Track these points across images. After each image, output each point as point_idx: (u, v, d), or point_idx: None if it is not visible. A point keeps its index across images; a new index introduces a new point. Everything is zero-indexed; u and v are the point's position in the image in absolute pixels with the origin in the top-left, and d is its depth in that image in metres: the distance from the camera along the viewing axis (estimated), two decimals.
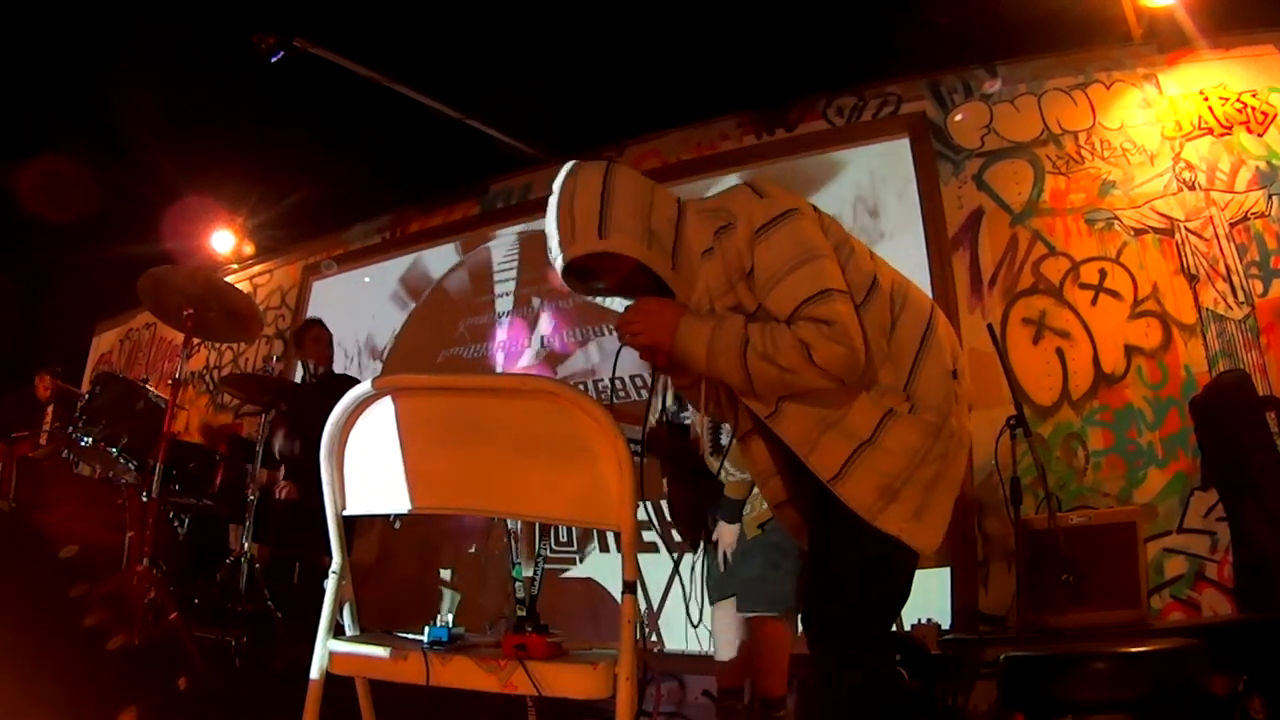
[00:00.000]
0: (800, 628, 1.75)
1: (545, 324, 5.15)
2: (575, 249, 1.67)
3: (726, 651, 2.89)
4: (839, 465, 1.64)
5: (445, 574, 4.88)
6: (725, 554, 2.81)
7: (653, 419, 1.98)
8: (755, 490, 2.61)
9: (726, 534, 2.77)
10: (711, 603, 2.89)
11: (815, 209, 1.75)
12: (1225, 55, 3.70)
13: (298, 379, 4.88)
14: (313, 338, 4.49)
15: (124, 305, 7.17)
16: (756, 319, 1.65)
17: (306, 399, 4.00)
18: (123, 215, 5.33)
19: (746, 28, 3.93)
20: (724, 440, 2.54)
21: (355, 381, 4.33)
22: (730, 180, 4.58)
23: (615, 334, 1.78)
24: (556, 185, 1.74)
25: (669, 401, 2.67)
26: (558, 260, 1.71)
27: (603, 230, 1.65)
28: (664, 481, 2.90)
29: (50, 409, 5.39)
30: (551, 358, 5.07)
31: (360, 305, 5.99)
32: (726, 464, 2.63)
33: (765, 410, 1.70)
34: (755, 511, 2.70)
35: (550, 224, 1.72)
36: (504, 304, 5.34)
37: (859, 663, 1.64)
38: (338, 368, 4.66)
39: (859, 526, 1.63)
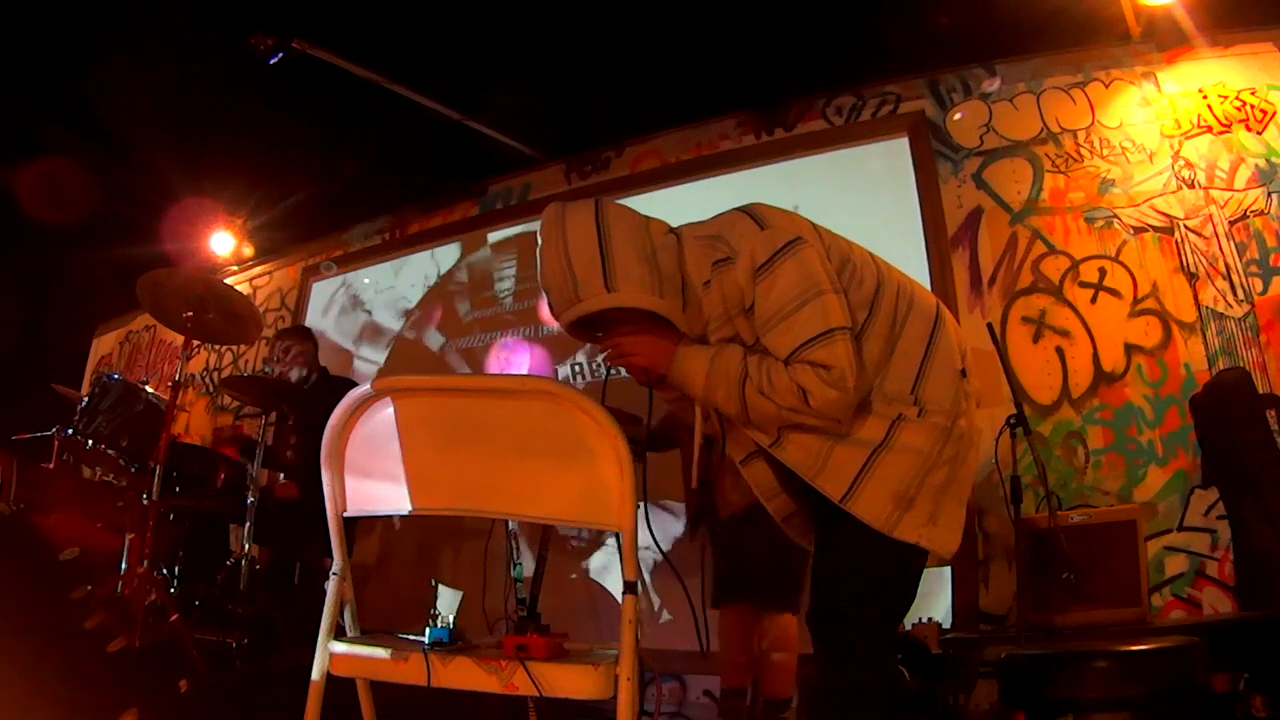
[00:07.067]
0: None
1: (546, 316, 5.13)
2: (582, 307, 1.59)
3: (730, 652, 2.89)
4: (850, 480, 1.61)
5: (445, 575, 4.87)
6: (736, 555, 2.80)
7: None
8: None
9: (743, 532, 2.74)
10: (715, 606, 2.88)
11: (815, 229, 1.69)
12: (1224, 53, 3.70)
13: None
14: (286, 350, 4.26)
15: (123, 307, 7.17)
16: (754, 352, 1.61)
17: (296, 404, 4.00)
18: (122, 217, 5.34)
19: (745, 27, 3.93)
20: None
21: (344, 383, 4.32)
22: (730, 180, 4.65)
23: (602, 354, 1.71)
24: (543, 232, 1.63)
25: None
26: (561, 318, 1.64)
27: (609, 282, 1.57)
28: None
29: None
30: (554, 355, 5.06)
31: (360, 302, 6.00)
32: None
33: (767, 440, 1.68)
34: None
35: (546, 277, 1.62)
36: (505, 301, 5.34)
37: (865, 664, 1.63)
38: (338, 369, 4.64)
39: (875, 539, 1.60)
